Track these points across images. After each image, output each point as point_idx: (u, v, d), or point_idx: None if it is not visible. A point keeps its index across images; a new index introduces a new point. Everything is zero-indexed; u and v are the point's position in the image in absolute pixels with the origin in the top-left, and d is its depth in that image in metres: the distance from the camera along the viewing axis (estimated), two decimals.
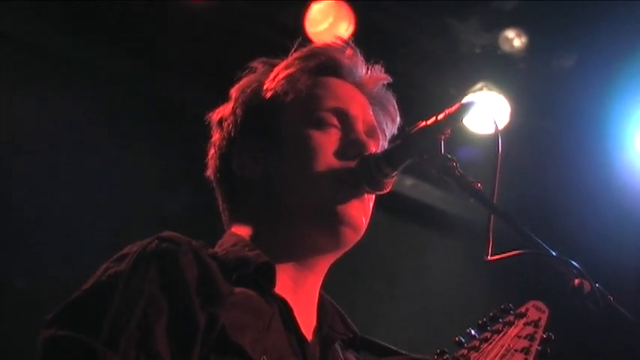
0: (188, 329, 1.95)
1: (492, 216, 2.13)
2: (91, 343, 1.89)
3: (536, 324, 2.12)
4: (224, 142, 2.40)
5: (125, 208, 5.34)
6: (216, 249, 2.25)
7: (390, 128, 2.47)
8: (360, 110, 2.38)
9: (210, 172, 2.44)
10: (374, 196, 2.32)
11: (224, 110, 2.43)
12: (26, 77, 5.30)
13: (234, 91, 2.44)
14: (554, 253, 2.04)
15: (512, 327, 2.10)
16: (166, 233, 2.09)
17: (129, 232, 5.02)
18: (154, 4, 5.26)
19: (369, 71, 2.46)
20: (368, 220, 2.30)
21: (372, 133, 2.38)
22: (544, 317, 2.15)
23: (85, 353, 1.89)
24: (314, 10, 5.34)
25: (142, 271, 1.99)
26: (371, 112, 2.42)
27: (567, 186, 6.10)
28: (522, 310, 2.16)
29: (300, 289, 2.27)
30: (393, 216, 6.03)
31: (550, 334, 2.10)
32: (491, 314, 2.10)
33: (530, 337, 2.08)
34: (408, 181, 6.31)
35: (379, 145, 2.40)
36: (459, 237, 6.33)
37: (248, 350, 1.99)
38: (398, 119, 2.48)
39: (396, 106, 2.49)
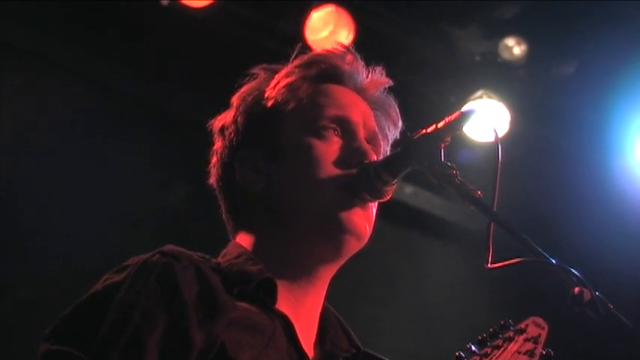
0: (182, 347, 1.95)
1: (492, 224, 2.13)
2: (81, 358, 1.89)
3: (535, 340, 2.12)
4: (226, 151, 2.39)
5: (125, 212, 5.34)
6: (220, 259, 2.24)
7: (393, 132, 2.46)
8: (361, 117, 2.38)
9: (212, 180, 2.43)
10: (377, 204, 2.32)
11: (225, 118, 2.43)
12: (27, 85, 5.32)
13: (235, 99, 2.43)
14: (554, 261, 2.04)
15: (512, 343, 2.09)
16: (168, 247, 2.08)
17: (129, 235, 5.04)
18: (154, 12, 5.26)
19: (370, 76, 2.45)
20: (371, 229, 2.30)
21: (373, 139, 2.38)
22: (544, 333, 2.15)
23: None
24: (314, 18, 5.35)
25: (139, 285, 1.99)
26: (372, 118, 2.42)
27: (567, 193, 6.09)
28: (522, 326, 2.15)
29: (302, 304, 2.26)
30: (393, 223, 6.02)
31: (549, 350, 2.10)
32: (491, 330, 2.10)
33: (530, 354, 2.08)
34: (408, 189, 6.31)
35: (381, 151, 2.40)
36: (459, 244, 6.33)
37: None
38: (400, 123, 2.47)
39: (398, 110, 2.48)
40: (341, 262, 2.31)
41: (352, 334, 2.36)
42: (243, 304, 2.09)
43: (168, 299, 1.98)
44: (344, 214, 2.23)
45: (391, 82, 2.48)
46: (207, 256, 2.21)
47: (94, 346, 1.90)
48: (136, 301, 1.96)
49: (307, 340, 2.22)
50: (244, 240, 2.32)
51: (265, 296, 2.16)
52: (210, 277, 2.07)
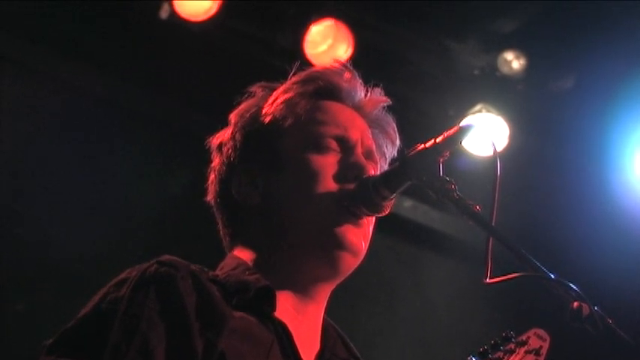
0: (187, 355, 1.95)
1: (491, 238, 2.13)
2: None
3: (537, 352, 2.12)
4: (224, 167, 2.40)
5: (126, 224, 5.34)
6: (217, 272, 2.24)
7: (390, 151, 2.47)
8: (359, 134, 2.38)
9: (210, 197, 2.43)
10: (373, 219, 2.32)
11: (223, 135, 2.44)
12: (25, 96, 5.33)
13: (233, 116, 2.44)
14: (552, 276, 2.04)
15: (514, 355, 2.10)
16: (165, 257, 2.09)
17: (130, 249, 5.03)
18: (152, 27, 5.27)
19: (369, 94, 2.46)
20: (367, 245, 2.30)
21: (371, 156, 2.38)
22: (545, 345, 2.15)
23: None
24: (313, 32, 5.36)
25: (141, 297, 2.00)
26: (370, 136, 2.42)
27: (566, 208, 6.09)
28: (524, 337, 2.15)
29: (301, 315, 2.26)
30: (391, 237, 6.02)
31: None
32: (492, 342, 2.10)
33: None
34: (407, 203, 6.31)
35: (378, 168, 2.40)
36: (458, 259, 6.32)
37: None
38: (398, 142, 2.48)
39: (396, 129, 2.49)
40: (338, 279, 2.31)
41: (351, 344, 2.37)
42: (242, 314, 2.10)
43: (169, 309, 1.99)
44: (339, 231, 2.24)
45: (390, 101, 2.48)
46: (205, 268, 2.21)
47: (104, 357, 1.91)
48: (140, 313, 1.97)
49: (308, 350, 2.22)
50: (242, 254, 2.32)
51: (264, 304, 2.15)
52: (209, 287, 2.08)
